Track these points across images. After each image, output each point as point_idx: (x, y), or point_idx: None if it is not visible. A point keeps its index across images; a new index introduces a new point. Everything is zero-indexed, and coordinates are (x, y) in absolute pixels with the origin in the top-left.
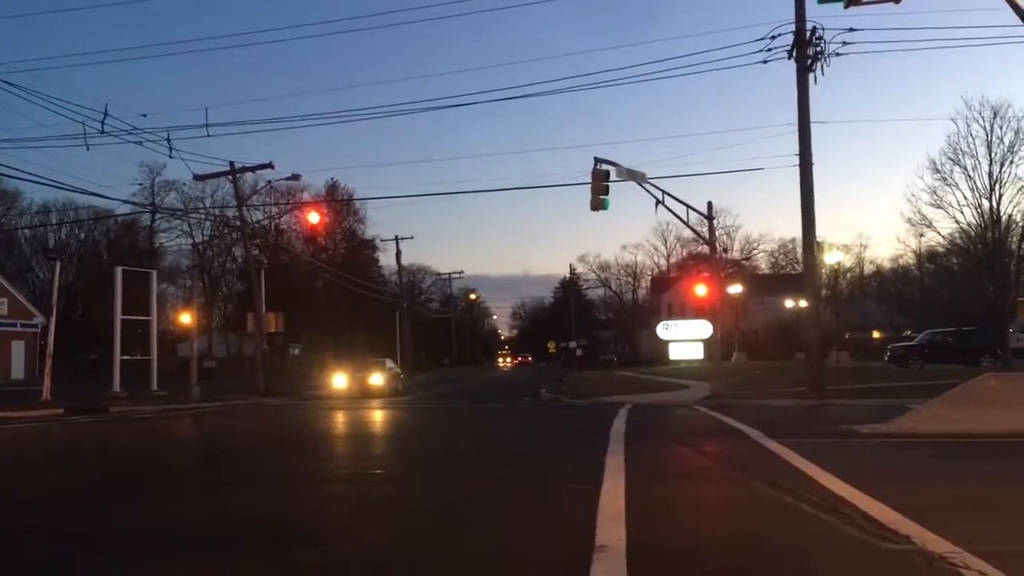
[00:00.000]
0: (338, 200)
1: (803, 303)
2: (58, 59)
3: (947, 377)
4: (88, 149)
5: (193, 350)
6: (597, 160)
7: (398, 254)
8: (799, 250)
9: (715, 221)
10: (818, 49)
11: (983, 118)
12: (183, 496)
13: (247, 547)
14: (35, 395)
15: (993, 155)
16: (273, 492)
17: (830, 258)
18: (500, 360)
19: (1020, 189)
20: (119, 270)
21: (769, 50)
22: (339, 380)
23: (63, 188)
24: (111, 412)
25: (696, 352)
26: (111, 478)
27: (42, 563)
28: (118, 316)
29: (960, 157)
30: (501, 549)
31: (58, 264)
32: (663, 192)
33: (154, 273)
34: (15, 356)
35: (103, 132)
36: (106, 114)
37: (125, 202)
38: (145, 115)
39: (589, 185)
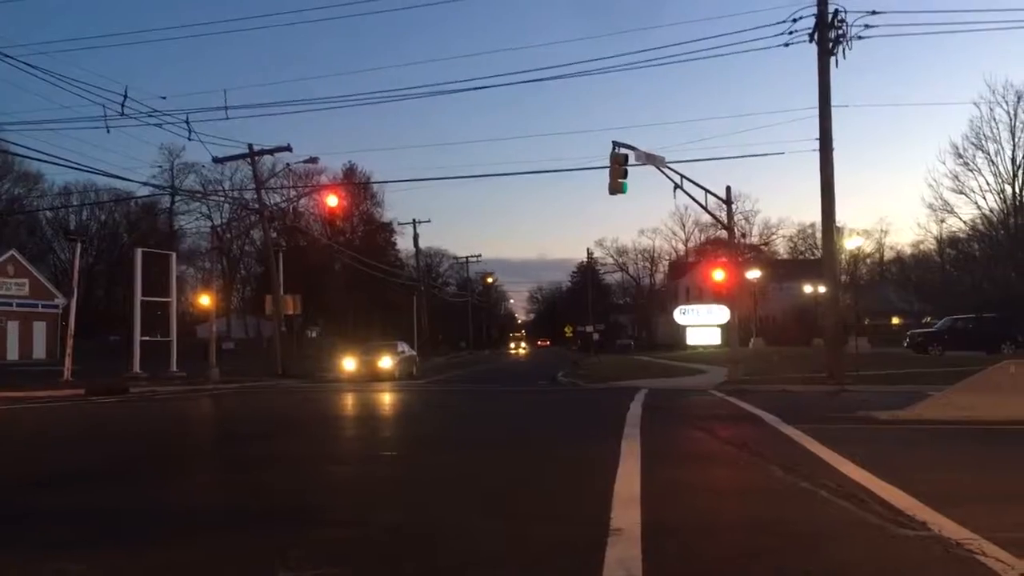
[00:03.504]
0: (356, 183)
1: (822, 289)
2: (78, 41)
3: (967, 364)
4: (108, 131)
5: (212, 332)
6: (615, 144)
7: (415, 237)
8: (818, 235)
9: (734, 206)
10: (840, 32)
11: (1007, 103)
12: (202, 476)
13: (267, 527)
14: (56, 375)
15: (1017, 140)
16: (288, 472)
17: (850, 243)
18: (512, 345)
19: None
20: (139, 252)
21: (791, 33)
22: (348, 363)
23: (84, 170)
24: (131, 393)
25: (713, 337)
26: (132, 458)
27: (71, 539)
28: (138, 297)
29: (983, 142)
30: (516, 532)
31: (79, 246)
32: (681, 176)
33: (173, 255)
34: (37, 336)
35: (123, 114)
36: (126, 96)
37: (145, 184)
38: (165, 97)
39: (607, 169)
